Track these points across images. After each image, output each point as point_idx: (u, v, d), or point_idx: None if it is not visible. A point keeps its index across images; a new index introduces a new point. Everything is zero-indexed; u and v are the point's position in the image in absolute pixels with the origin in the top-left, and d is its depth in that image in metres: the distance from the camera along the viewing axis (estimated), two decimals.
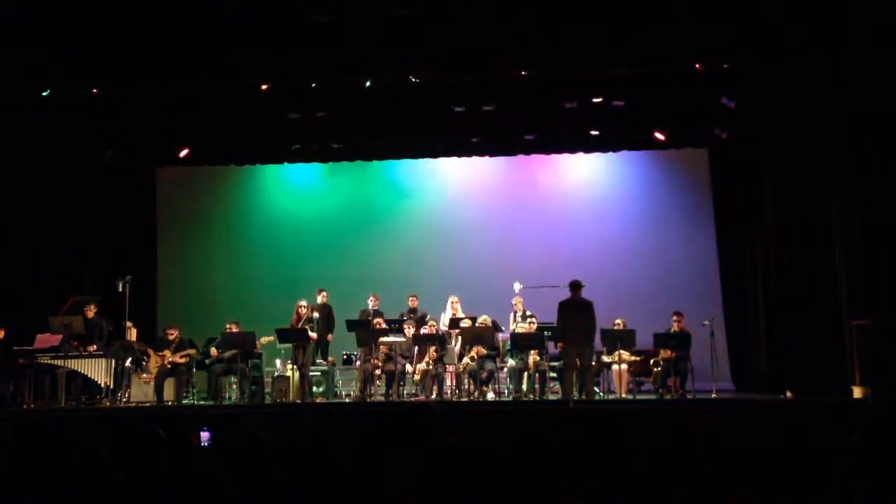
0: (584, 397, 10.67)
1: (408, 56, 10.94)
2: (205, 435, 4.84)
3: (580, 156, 14.25)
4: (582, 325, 10.83)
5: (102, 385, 11.29)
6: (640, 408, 10.36)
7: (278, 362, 12.43)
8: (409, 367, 11.54)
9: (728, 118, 12.42)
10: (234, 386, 11.71)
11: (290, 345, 11.72)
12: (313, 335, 11.69)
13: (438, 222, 14.52)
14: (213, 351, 11.67)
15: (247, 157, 14.36)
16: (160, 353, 11.40)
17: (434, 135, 13.41)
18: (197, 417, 9.20)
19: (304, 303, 11.95)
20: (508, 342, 11.66)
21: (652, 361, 11.40)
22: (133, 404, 11.36)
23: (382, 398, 11.38)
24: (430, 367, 11.23)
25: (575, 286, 11.05)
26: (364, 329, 11.72)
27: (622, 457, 3.48)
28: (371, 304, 12.57)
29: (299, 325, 11.69)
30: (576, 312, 10.89)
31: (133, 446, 3.35)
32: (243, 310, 12.94)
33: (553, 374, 11.52)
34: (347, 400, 11.91)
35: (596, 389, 11.68)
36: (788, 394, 10.57)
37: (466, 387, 11.35)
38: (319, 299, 12.29)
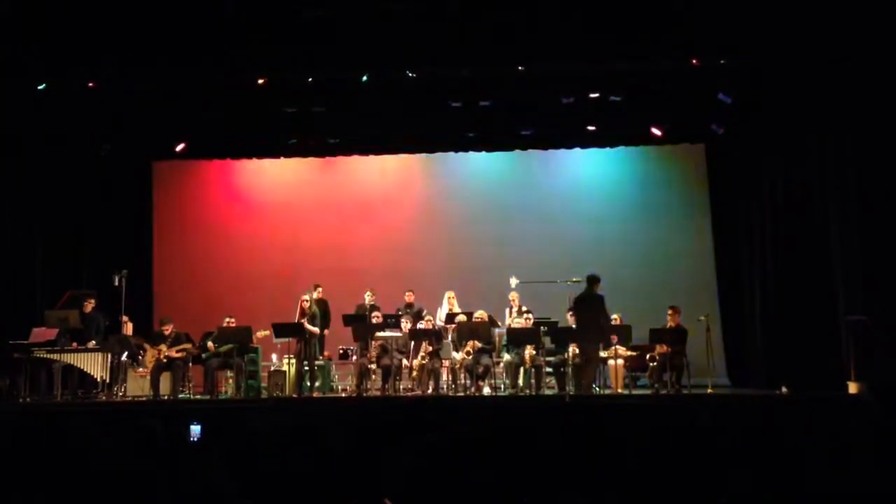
0: (579, 392, 10.68)
1: (404, 51, 10.94)
2: (194, 428, 4.84)
3: (577, 151, 14.24)
4: (587, 321, 10.87)
5: (99, 379, 11.28)
6: (636, 403, 10.37)
7: (274, 357, 12.43)
8: (405, 362, 11.55)
9: (725, 114, 12.42)
10: (231, 380, 11.71)
11: (285, 339, 11.71)
12: (315, 329, 11.67)
13: (435, 217, 14.53)
14: (210, 345, 11.66)
15: (243, 151, 14.36)
16: (156, 348, 11.39)
17: (431, 130, 13.41)
18: (193, 411, 9.20)
19: (306, 297, 11.93)
20: (504, 337, 11.67)
21: (648, 357, 11.42)
22: (129, 398, 11.35)
23: (378, 393, 11.40)
24: (426, 361, 11.24)
25: (588, 280, 11.06)
26: (361, 324, 11.71)
27: (618, 451, 3.49)
28: (368, 298, 12.57)
29: (304, 320, 11.64)
30: (583, 307, 10.92)
31: (130, 440, 3.35)
32: (240, 304, 12.93)
33: (549, 370, 11.52)
34: (343, 395, 11.92)
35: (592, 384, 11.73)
36: (784, 389, 10.59)
37: (462, 381, 11.36)
38: (315, 294, 12.28)
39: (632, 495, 3.33)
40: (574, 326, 11.15)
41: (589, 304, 10.91)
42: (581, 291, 11.05)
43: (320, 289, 12.47)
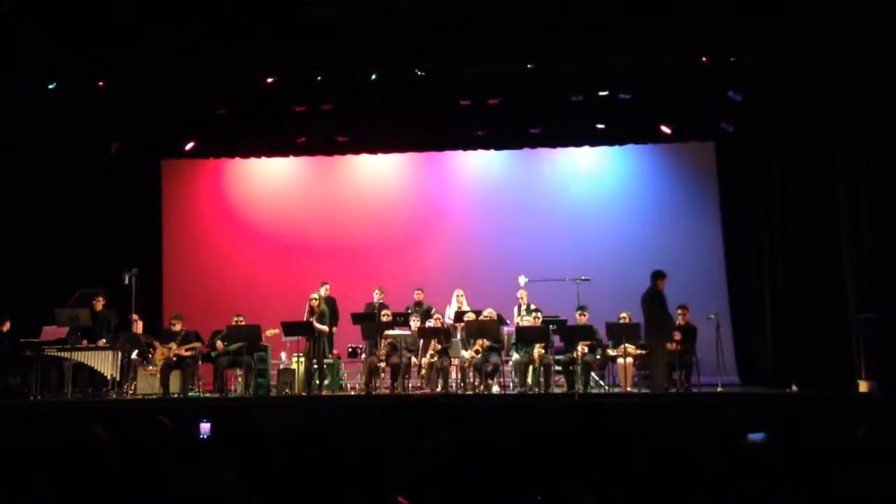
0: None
1: (413, 49, 10.94)
2: (204, 426, 4.86)
3: (586, 149, 14.22)
4: (645, 317, 11.00)
5: (109, 377, 11.34)
6: (645, 401, 10.36)
7: (284, 355, 12.45)
8: (414, 360, 11.56)
9: (734, 112, 12.38)
10: (240, 379, 11.74)
11: (294, 338, 11.73)
12: (324, 328, 11.67)
13: (444, 216, 14.53)
14: (219, 344, 11.69)
15: (252, 149, 14.39)
16: (166, 346, 11.42)
17: (440, 128, 13.41)
18: (202, 410, 9.23)
19: (314, 296, 11.94)
20: (513, 336, 11.67)
21: None
22: (139, 396, 11.39)
23: (388, 391, 11.41)
24: (435, 359, 11.24)
25: (651, 276, 11.12)
26: (370, 322, 11.73)
27: (626, 448, 3.49)
28: (377, 297, 12.57)
29: (313, 319, 11.65)
30: (643, 304, 11.04)
31: (139, 437, 3.36)
32: (249, 303, 12.96)
33: (558, 368, 11.51)
34: (353, 393, 11.94)
35: (601, 383, 11.73)
36: (794, 388, 10.55)
37: (471, 380, 11.37)
38: (323, 292, 12.28)
39: (640, 494, 3.32)
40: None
41: (648, 301, 10.97)
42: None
43: (327, 286, 12.48)
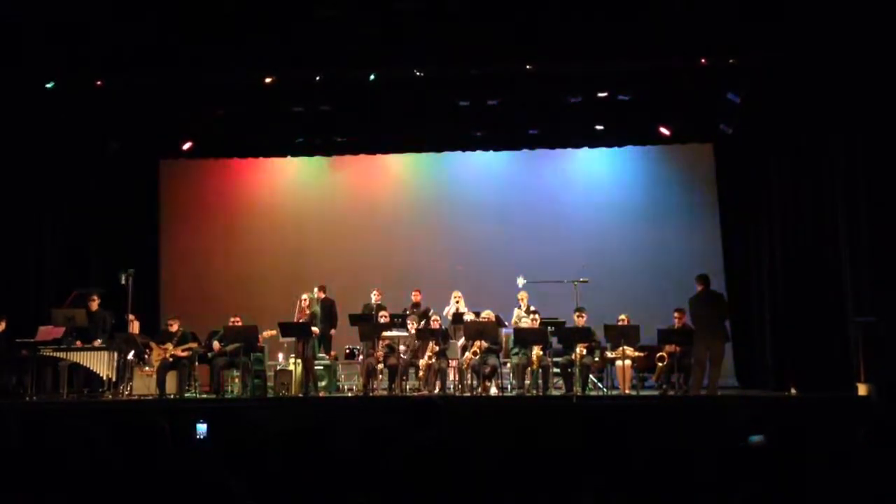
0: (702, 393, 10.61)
1: (412, 50, 10.92)
2: (201, 427, 4.83)
3: (585, 151, 14.21)
4: (706, 319, 10.82)
5: (105, 378, 11.29)
6: (644, 404, 10.34)
7: (281, 356, 12.42)
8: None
9: (733, 113, 12.38)
10: (237, 380, 11.70)
11: (291, 339, 11.71)
12: (315, 329, 11.65)
13: (442, 217, 14.51)
14: (216, 344, 11.65)
15: (250, 150, 14.37)
16: (162, 347, 11.39)
17: (438, 129, 13.40)
18: (198, 411, 9.20)
19: (305, 297, 11.90)
20: (512, 337, 11.64)
21: (657, 356, 11.37)
22: (135, 397, 11.35)
23: (385, 393, 11.38)
24: (433, 361, 11.22)
25: (699, 280, 11.03)
26: (367, 323, 11.70)
27: (624, 451, 3.47)
28: (374, 298, 12.54)
29: (303, 320, 11.63)
30: (700, 306, 10.88)
31: (135, 439, 3.34)
32: (246, 303, 12.92)
33: (556, 370, 11.49)
34: (350, 394, 11.91)
35: (600, 385, 11.71)
36: (793, 391, 10.54)
37: (469, 382, 11.34)
38: (315, 293, 12.22)
39: (640, 496, 3.30)
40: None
41: (702, 302, 10.88)
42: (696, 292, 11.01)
43: (320, 288, 12.43)
